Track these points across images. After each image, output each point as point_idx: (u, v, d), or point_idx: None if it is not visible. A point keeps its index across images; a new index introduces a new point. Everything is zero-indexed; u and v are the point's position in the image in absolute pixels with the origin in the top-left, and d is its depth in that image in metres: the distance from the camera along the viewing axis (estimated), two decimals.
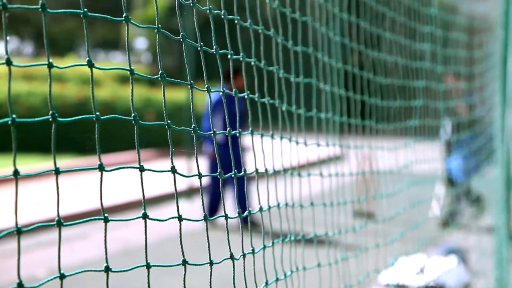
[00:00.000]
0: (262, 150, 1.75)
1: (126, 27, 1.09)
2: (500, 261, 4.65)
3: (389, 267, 3.11)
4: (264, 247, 1.45)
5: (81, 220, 1.02)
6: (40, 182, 11.05)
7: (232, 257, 1.30)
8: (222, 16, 1.53)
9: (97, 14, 1.02)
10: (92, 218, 1.01)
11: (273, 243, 1.51)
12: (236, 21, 1.55)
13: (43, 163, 12.48)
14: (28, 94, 14.70)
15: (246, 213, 1.52)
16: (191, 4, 1.41)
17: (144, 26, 1.26)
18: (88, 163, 12.73)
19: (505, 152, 4.58)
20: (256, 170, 1.66)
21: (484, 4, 7.01)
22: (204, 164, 8.21)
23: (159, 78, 1.11)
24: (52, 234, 7.58)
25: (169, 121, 1.11)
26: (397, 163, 3.50)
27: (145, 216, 1.10)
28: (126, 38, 1.12)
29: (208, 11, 1.46)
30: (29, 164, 12.43)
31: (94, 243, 7.45)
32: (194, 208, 9.43)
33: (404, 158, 3.76)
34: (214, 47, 1.49)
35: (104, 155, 13.53)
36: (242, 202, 7.51)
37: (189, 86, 1.21)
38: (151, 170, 1.10)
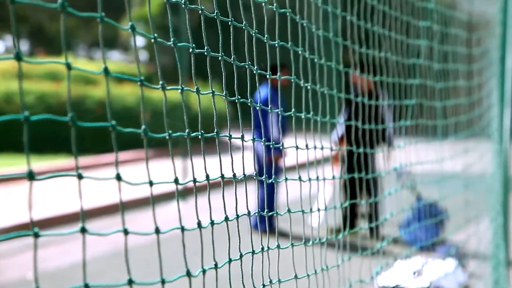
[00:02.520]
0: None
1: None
2: (497, 264, 4.53)
3: (376, 276, 2.98)
4: (230, 260, 1.33)
5: (8, 235, 0.89)
6: (35, 182, 10.91)
7: (188, 273, 1.18)
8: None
9: (26, 0, 0.90)
10: (21, 233, 0.89)
11: (241, 255, 1.39)
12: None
13: (38, 164, 12.37)
14: (23, 93, 14.61)
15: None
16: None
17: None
18: (86, 163, 12.62)
19: (503, 153, 4.46)
20: (223, 176, 1.54)
21: (482, 2, 6.88)
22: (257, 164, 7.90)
23: (102, 73, 0.99)
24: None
25: (113, 122, 0.99)
26: (389, 165, 3.38)
27: (83, 230, 0.98)
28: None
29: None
30: (23, 164, 12.32)
31: (86, 244, 7.34)
32: (189, 209, 9.29)
33: (398, 159, 3.64)
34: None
35: (101, 154, 13.42)
36: (264, 204, 7.28)
37: (138, 83, 1.08)
38: (89, 177, 0.98)
